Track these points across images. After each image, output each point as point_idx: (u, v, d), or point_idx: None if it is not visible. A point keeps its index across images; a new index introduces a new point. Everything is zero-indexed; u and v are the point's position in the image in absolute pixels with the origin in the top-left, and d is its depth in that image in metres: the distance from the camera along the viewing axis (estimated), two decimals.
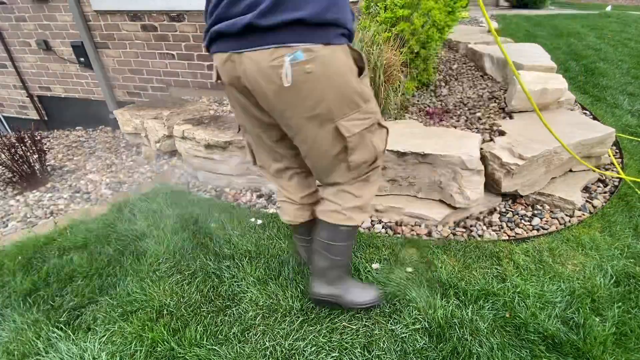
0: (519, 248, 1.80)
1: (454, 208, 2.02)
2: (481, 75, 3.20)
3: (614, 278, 1.60)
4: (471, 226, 2.02)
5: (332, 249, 1.29)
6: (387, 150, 2.00)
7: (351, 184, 1.22)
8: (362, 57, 1.06)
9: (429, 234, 1.97)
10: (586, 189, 2.24)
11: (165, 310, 1.47)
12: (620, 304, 1.46)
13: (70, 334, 1.38)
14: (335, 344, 1.32)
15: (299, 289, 1.55)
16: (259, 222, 2.03)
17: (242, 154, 2.27)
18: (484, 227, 2.01)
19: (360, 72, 1.07)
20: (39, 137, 2.77)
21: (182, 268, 1.69)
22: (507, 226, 2.00)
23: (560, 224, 1.99)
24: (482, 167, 1.99)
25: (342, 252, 1.31)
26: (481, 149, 2.08)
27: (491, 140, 2.21)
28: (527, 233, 1.95)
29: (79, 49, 3.37)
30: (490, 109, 2.63)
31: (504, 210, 2.13)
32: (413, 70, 2.82)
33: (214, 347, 1.30)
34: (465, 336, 1.34)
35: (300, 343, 1.32)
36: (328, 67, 0.98)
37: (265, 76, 0.97)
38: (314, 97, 1.00)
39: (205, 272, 1.65)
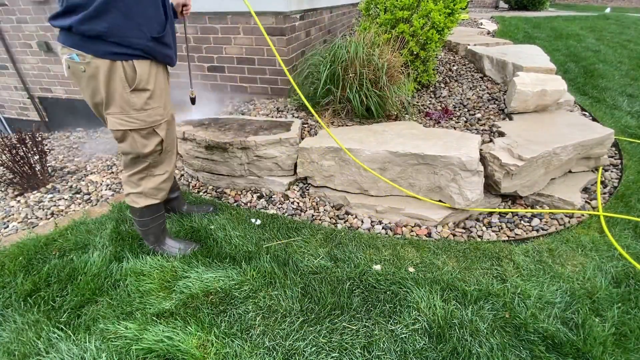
0: (518, 249, 1.80)
1: (454, 209, 2.03)
2: (481, 77, 3.21)
3: (614, 279, 1.60)
4: (471, 227, 2.02)
5: (135, 223, 1.73)
6: (387, 150, 2.01)
7: (130, 176, 1.56)
8: (135, 78, 1.32)
9: (429, 234, 1.97)
10: (585, 190, 2.24)
11: (165, 310, 1.47)
12: (619, 304, 1.47)
13: (71, 334, 1.38)
14: (335, 344, 1.32)
15: (299, 289, 1.56)
16: (259, 222, 2.03)
17: (243, 154, 2.28)
18: (484, 228, 2.01)
19: (137, 87, 1.34)
20: (40, 139, 2.77)
21: (182, 268, 1.69)
22: (507, 227, 2.01)
23: (560, 224, 2.00)
24: (482, 168, 1.99)
25: (142, 225, 1.70)
26: (481, 150, 2.08)
27: (491, 141, 2.21)
28: (526, 234, 1.95)
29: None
30: (489, 110, 2.64)
31: (503, 210, 2.13)
32: (413, 71, 2.83)
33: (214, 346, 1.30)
34: (465, 336, 1.34)
35: (300, 343, 1.32)
36: (94, 72, 1.26)
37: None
38: (90, 90, 1.32)
39: (205, 272, 1.66)
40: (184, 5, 1.62)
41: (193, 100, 1.87)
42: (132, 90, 1.33)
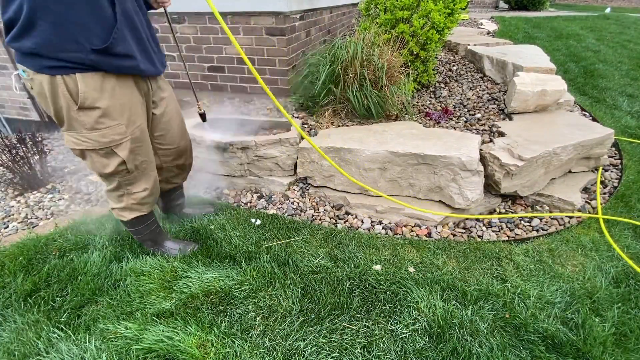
0: (518, 249, 1.80)
1: (454, 209, 2.03)
2: (481, 77, 3.21)
3: (614, 279, 1.60)
4: (471, 227, 2.02)
5: (129, 231, 1.71)
6: (387, 150, 2.01)
7: (109, 192, 1.50)
8: (78, 94, 1.16)
9: (429, 234, 1.97)
10: (585, 190, 2.24)
11: (165, 310, 1.47)
12: (619, 304, 1.47)
13: (71, 334, 1.38)
14: (335, 344, 1.32)
15: (299, 289, 1.56)
16: (259, 222, 2.03)
17: (243, 154, 2.28)
18: (484, 228, 2.01)
19: (83, 105, 1.18)
20: (40, 139, 2.77)
21: (182, 268, 1.69)
22: (507, 227, 2.01)
23: (560, 224, 2.00)
24: (482, 168, 1.99)
25: (136, 233, 1.69)
26: (481, 150, 2.08)
27: (491, 141, 2.21)
28: (526, 234, 1.95)
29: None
30: (489, 110, 2.64)
31: (503, 211, 2.13)
32: (413, 71, 2.83)
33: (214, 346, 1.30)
34: (465, 336, 1.34)
35: (301, 343, 1.32)
36: (41, 89, 1.15)
37: None
38: (43, 104, 1.21)
39: (205, 272, 1.66)
40: None
41: (203, 117, 1.69)
42: (78, 108, 1.18)
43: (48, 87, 1.14)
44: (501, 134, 2.26)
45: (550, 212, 2.09)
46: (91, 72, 1.15)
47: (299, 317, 1.43)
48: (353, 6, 5.19)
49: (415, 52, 2.81)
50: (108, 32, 1.11)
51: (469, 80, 3.18)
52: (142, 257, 1.75)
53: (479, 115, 2.58)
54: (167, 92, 1.55)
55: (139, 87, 1.35)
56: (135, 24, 1.20)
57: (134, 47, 1.21)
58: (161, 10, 1.48)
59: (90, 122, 1.21)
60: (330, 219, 2.13)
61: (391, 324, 1.40)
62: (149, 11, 1.41)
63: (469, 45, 3.76)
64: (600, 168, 2.38)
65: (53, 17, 1.02)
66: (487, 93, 2.90)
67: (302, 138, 2.34)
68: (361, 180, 2.15)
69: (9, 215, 2.36)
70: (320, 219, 2.12)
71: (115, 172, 1.38)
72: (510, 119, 2.49)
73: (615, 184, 2.27)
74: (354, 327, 1.39)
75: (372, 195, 2.18)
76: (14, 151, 2.55)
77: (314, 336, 1.35)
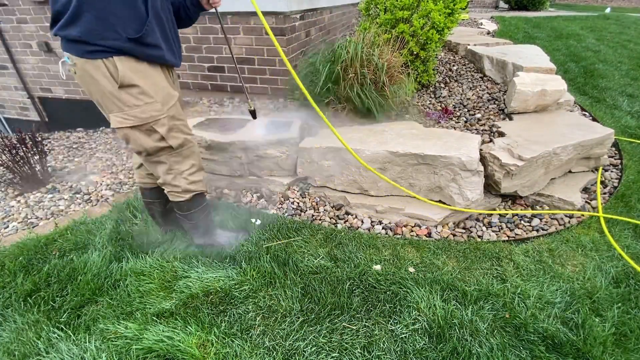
0: (518, 249, 1.80)
1: (454, 209, 2.03)
2: (481, 77, 3.21)
3: (614, 279, 1.60)
4: (471, 227, 2.02)
5: (183, 219, 1.75)
6: (387, 150, 2.01)
7: (165, 176, 1.59)
8: (118, 74, 1.31)
9: (429, 234, 1.97)
10: (585, 190, 2.24)
11: (165, 310, 1.47)
12: (619, 304, 1.47)
13: (71, 334, 1.38)
14: (335, 344, 1.32)
15: (299, 289, 1.56)
16: (259, 222, 2.03)
17: (243, 154, 2.28)
18: (484, 228, 2.01)
19: (123, 84, 1.34)
20: (39, 139, 2.77)
21: (182, 268, 1.69)
22: (507, 227, 2.01)
23: (560, 224, 2.00)
24: (482, 168, 1.99)
25: (191, 218, 1.73)
26: (481, 150, 2.08)
27: (491, 141, 2.21)
28: (526, 234, 1.95)
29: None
30: (489, 110, 2.64)
31: (503, 211, 2.13)
32: (413, 71, 2.83)
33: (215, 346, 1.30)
34: (465, 336, 1.34)
35: (301, 343, 1.33)
36: (83, 73, 1.31)
37: None
38: (87, 90, 1.37)
39: (205, 272, 1.66)
40: None
41: (253, 114, 1.68)
42: (119, 87, 1.33)
43: (90, 70, 1.29)
44: (501, 134, 2.26)
45: (550, 212, 2.09)
46: (126, 56, 1.31)
47: (299, 317, 1.43)
48: (353, 6, 5.19)
49: (415, 52, 2.81)
50: (141, 24, 1.30)
51: (469, 80, 3.18)
52: (142, 257, 1.76)
53: (479, 115, 2.58)
54: (177, 84, 1.71)
55: (165, 74, 1.51)
56: (162, 21, 1.39)
57: (160, 40, 1.39)
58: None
59: (131, 99, 1.36)
60: (330, 219, 2.13)
61: (391, 324, 1.40)
62: (203, 12, 1.60)
63: (469, 45, 3.76)
64: (600, 168, 2.38)
65: (96, 11, 1.21)
66: (487, 93, 2.90)
67: (302, 138, 2.34)
68: (361, 180, 2.15)
69: (9, 215, 2.36)
70: (320, 219, 2.12)
71: (157, 148, 1.49)
72: (510, 119, 2.49)
73: (616, 184, 2.27)
74: (354, 327, 1.39)
75: (372, 195, 2.18)
76: (14, 151, 2.55)
77: (314, 336, 1.35)
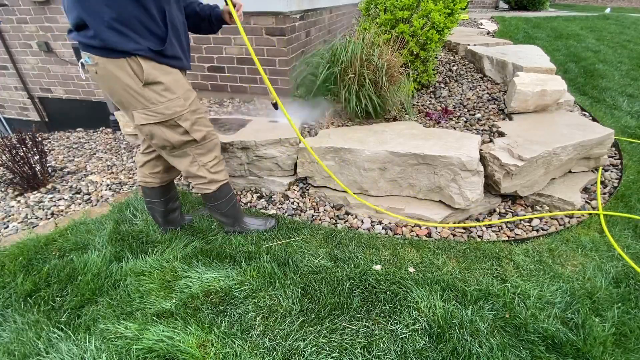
0: (518, 249, 1.80)
1: (454, 209, 2.03)
2: (481, 77, 3.21)
3: (614, 279, 1.60)
4: (471, 227, 2.02)
5: (213, 210, 1.85)
6: (387, 150, 2.01)
7: (189, 170, 1.65)
8: (142, 72, 1.36)
9: (429, 234, 1.97)
10: (585, 190, 2.24)
11: (165, 310, 1.47)
12: (619, 304, 1.47)
13: (71, 334, 1.38)
14: (335, 344, 1.32)
15: (299, 289, 1.56)
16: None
17: (243, 154, 2.28)
18: (484, 228, 2.01)
19: (148, 81, 1.39)
20: (39, 139, 2.77)
21: (182, 268, 1.69)
22: (507, 227, 2.01)
23: (560, 224, 2.00)
24: (482, 168, 1.99)
25: (219, 208, 1.82)
26: (481, 150, 2.08)
27: (491, 141, 2.21)
28: (526, 234, 1.95)
29: (80, 51, 3.38)
30: (489, 110, 2.64)
31: (503, 211, 2.14)
32: (413, 71, 2.83)
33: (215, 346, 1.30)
34: (465, 336, 1.34)
35: (301, 343, 1.32)
36: (106, 72, 1.35)
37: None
38: (108, 90, 1.41)
39: (205, 272, 1.66)
40: (230, 13, 1.61)
41: (275, 106, 1.84)
42: (144, 84, 1.38)
43: (113, 69, 1.33)
44: (501, 134, 2.26)
45: (550, 212, 2.09)
46: (149, 57, 1.37)
47: (299, 317, 1.43)
48: (353, 6, 5.19)
49: (415, 52, 2.81)
50: (160, 39, 1.38)
51: (469, 80, 3.18)
52: (142, 257, 1.76)
53: (479, 115, 2.58)
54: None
55: (182, 74, 1.57)
56: (178, 32, 1.47)
57: (179, 50, 1.48)
58: None
59: (156, 96, 1.41)
60: (330, 219, 2.13)
61: (391, 324, 1.40)
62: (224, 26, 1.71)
63: (469, 45, 3.76)
64: (600, 168, 2.38)
65: (118, 26, 1.27)
66: (487, 93, 2.90)
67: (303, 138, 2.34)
68: (361, 180, 2.15)
69: (9, 215, 2.36)
70: (320, 219, 2.12)
71: (182, 141, 1.54)
72: (510, 119, 2.50)
73: (615, 184, 2.27)
74: (354, 327, 1.39)
75: (372, 195, 2.18)
76: (14, 151, 2.55)
77: (314, 336, 1.35)
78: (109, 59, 1.32)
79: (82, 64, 1.37)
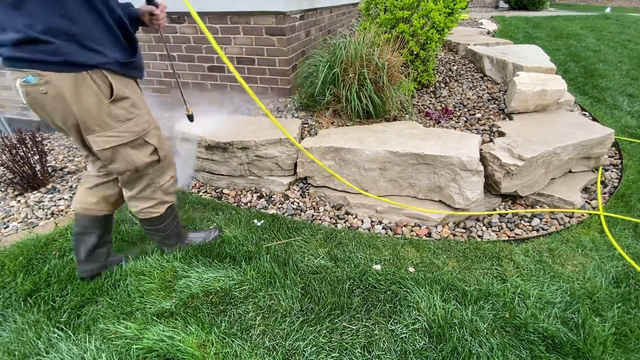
0: (518, 248, 1.80)
1: (454, 209, 2.03)
2: (481, 77, 3.21)
3: (614, 279, 1.60)
4: (471, 227, 2.02)
5: (154, 233, 1.69)
6: (387, 150, 2.01)
7: (138, 194, 1.48)
8: (112, 85, 1.20)
9: (429, 234, 1.97)
10: (585, 190, 2.24)
11: (165, 310, 1.47)
12: (620, 304, 1.47)
13: (71, 334, 1.38)
14: (335, 344, 1.32)
15: (299, 289, 1.56)
16: (259, 222, 2.03)
17: (243, 154, 2.28)
18: (484, 228, 2.01)
19: (117, 97, 1.22)
20: (40, 138, 2.77)
21: (182, 268, 1.69)
22: (507, 227, 2.01)
23: (560, 224, 2.00)
24: (482, 168, 1.99)
25: (163, 230, 1.67)
26: (481, 149, 2.08)
27: (491, 141, 2.21)
28: (526, 234, 1.95)
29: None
30: (489, 110, 2.64)
31: (503, 210, 2.13)
32: (413, 71, 2.83)
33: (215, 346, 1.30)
34: (465, 336, 1.34)
35: (301, 343, 1.32)
36: (59, 91, 1.11)
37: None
38: (60, 113, 1.16)
39: (205, 272, 1.66)
40: (151, 14, 1.40)
41: (191, 118, 1.76)
42: (111, 101, 1.21)
43: (71, 87, 1.12)
44: (501, 134, 2.26)
45: (551, 212, 2.09)
46: (115, 71, 1.22)
47: (299, 317, 1.43)
48: (353, 6, 5.19)
49: (415, 52, 2.81)
50: (126, 50, 1.25)
51: (469, 80, 3.18)
52: (142, 257, 1.75)
53: (479, 115, 2.58)
54: None
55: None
56: (133, 40, 1.31)
57: (143, 62, 1.34)
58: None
59: (124, 113, 1.26)
60: (330, 218, 2.13)
61: (391, 324, 1.40)
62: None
63: (469, 45, 3.75)
64: (601, 168, 2.38)
65: (78, 39, 1.12)
66: (487, 93, 2.90)
67: (303, 138, 2.34)
68: (361, 180, 2.15)
69: (9, 215, 2.36)
70: (320, 219, 2.12)
71: (150, 162, 1.40)
72: (511, 118, 2.49)
73: (616, 184, 2.27)
74: (354, 327, 1.39)
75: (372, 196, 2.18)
76: (14, 151, 2.55)
77: (314, 336, 1.35)
78: (66, 74, 1.10)
79: (23, 85, 1.10)
